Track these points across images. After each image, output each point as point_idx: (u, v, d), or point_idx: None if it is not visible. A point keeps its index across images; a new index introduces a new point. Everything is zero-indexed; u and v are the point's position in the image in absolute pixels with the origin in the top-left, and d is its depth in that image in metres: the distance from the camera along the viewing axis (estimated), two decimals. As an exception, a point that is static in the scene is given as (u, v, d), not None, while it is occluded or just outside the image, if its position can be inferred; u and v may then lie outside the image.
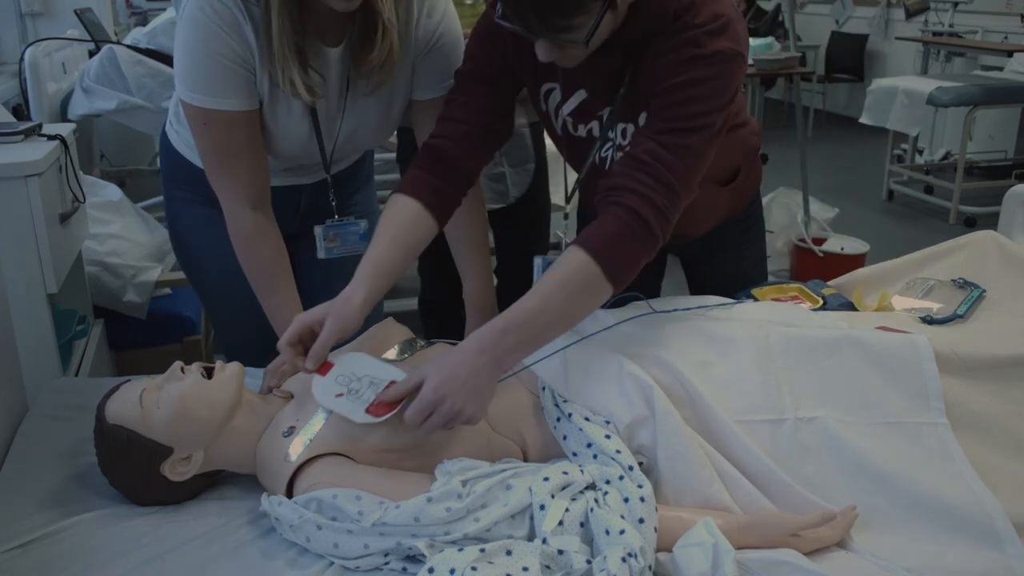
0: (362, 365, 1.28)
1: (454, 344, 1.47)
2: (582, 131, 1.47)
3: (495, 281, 2.51)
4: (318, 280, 1.77)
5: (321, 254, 1.65)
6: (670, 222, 1.29)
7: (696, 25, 1.29)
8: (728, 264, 1.75)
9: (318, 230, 1.64)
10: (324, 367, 1.27)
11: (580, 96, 1.44)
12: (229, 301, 1.70)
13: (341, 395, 1.23)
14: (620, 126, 1.42)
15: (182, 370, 1.27)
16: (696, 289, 1.76)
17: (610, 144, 1.45)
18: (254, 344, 1.63)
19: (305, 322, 1.30)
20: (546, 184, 2.36)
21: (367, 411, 1.21)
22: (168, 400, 1.23)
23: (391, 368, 1.27)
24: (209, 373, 1.28)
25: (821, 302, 1.71)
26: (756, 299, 1.73)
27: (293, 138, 1.53)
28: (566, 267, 1.25)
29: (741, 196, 1.67)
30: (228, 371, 1.29)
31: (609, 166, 1.45)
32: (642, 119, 1.37)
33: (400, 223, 1.39)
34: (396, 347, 1.41)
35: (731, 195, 1.64)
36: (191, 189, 1.65)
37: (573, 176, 1.57)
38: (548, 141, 2.37)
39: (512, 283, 2.46)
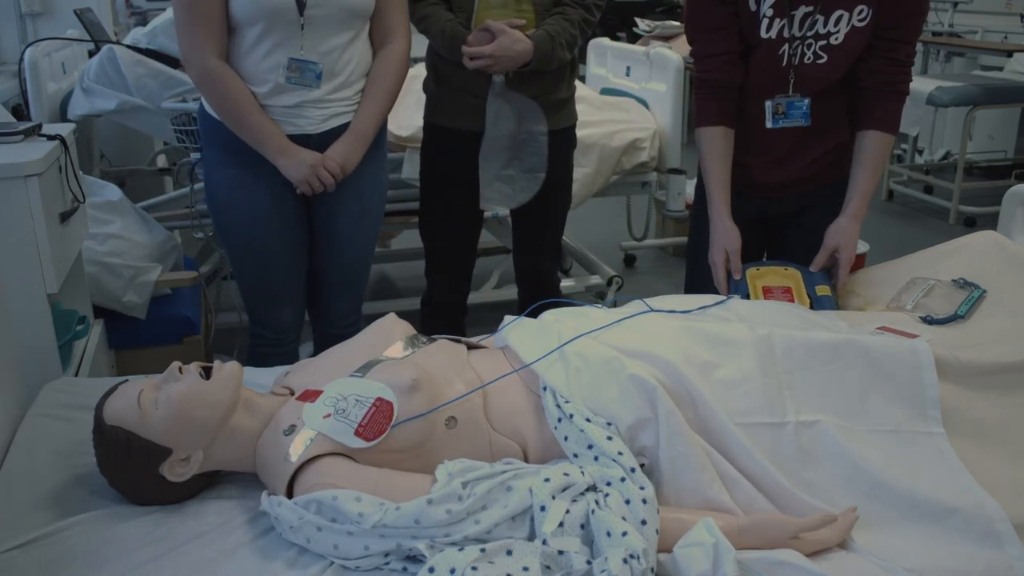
0: (346, 385, 1.28)
1: (456, 340, 1.47)
2: (773, 32, 1.72)
3: (516, 289, 2.52)
4: (334, 249, 1.98)
5: (281, 79, 1.81)
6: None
7: None
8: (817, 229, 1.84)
9: (283, 59, 1.79)
10: (313, 394, 1.28)
11: None
12: (253, 256, 1.94)
13: (329, 416, 1.23)
14: (836, 13, 1.69)
15: (180, 370, 1.27)
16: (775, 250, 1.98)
17: (810, 40, 1.71)
18: (276, 298, 1.98)
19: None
20: (561, 193, 2.34)
21: (357, 434, 1.22)
22: (166, 401, 1.22)
23: (375, 385, 1.27)
24: (207, 373, 1.28)
25: (809, 303, 1.70)
26: (754, 285, 1.74)
27: None
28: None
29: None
30: (226, 371, 1.29)
31: (799, 61, 1.73)
32: (859, 10, 1.67)
33: (727, 149, 1.83)
34: (401, 342, 1.41)
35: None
36: (224, 150, 1.87)
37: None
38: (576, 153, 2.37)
39: (527, 289, 2.47)
